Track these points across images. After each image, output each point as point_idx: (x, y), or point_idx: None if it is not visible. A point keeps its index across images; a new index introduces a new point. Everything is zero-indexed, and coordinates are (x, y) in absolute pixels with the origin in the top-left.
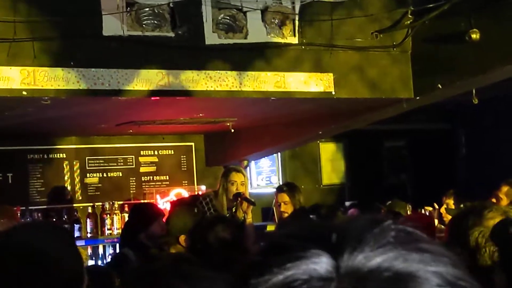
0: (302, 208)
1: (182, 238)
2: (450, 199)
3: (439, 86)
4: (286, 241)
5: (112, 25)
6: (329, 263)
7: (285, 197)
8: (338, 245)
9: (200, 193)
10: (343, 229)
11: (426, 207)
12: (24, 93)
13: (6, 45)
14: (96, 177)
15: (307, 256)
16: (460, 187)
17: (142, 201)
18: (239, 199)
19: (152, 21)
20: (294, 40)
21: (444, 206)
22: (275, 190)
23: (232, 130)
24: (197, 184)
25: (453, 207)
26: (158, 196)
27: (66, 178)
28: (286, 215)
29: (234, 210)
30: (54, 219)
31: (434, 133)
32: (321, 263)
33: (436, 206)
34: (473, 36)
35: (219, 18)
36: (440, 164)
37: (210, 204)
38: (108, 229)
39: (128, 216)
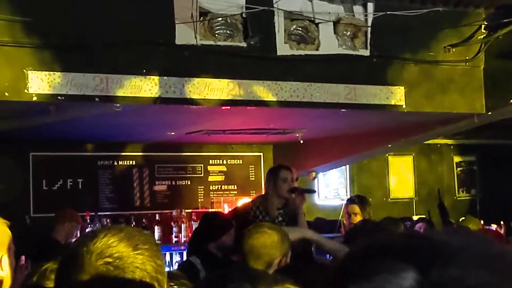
0: (369, 219)
1: None
2: None
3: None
4: (377, 251)
5: (185, 34)
6: (415, 279)
7: (356, 209)
8: (428, 261)
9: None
10: (436, 244)
11: (492, 224)
12: (97, 99)
13: (80, 52)
14: (165, 184)
15: (395, 269)
16: None
17: (210, 210)
18: (296, 193)
19: (225, 31)
20: (366, 53)
21: None
22: (343, 202)
23: (301, 141)
24: None
25: None
26: (225, 205)
27: (135, 185)
28: None
29: (284, 207)
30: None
31: (504, 148)
32: (408, 279)
33: (502, 223)
34: None
35: (291, 29)
36: (510, 180)
37: (259, 208)
38: (175, 237)
39: (199, 224)
